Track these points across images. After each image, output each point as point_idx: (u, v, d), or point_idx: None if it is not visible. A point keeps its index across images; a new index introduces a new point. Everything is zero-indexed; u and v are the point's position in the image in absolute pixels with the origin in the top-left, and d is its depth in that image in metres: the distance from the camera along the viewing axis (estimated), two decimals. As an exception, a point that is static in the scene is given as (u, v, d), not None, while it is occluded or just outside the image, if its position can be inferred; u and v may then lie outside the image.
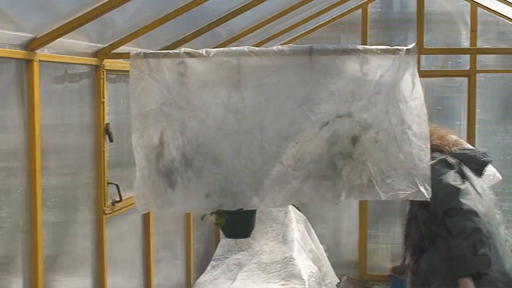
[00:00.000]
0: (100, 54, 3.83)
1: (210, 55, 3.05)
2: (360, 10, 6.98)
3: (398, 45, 3.14)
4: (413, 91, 3.07)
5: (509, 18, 6.78)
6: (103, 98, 3.88)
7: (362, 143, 3.10)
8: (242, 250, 5.74)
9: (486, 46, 6.96)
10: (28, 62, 3.15)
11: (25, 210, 3.15)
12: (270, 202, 3.12)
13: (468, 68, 6.97)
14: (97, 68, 3.83)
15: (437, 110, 7.05)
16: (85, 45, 3.70)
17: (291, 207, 5.93)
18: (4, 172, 3.06)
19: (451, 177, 3.71)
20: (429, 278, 3.86)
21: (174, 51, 3.15)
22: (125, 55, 3.44)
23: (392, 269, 6.70)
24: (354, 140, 3.09)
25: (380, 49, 3.05)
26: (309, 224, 6.20)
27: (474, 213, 3.64)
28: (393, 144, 3.08)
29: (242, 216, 3.19)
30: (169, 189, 3.16)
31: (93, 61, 3.79)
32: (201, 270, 5.74)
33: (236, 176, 3.07)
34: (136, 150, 3.18)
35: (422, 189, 3.09)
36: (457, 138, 4.10)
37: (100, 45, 3.82)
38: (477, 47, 6.90)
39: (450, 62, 7.07)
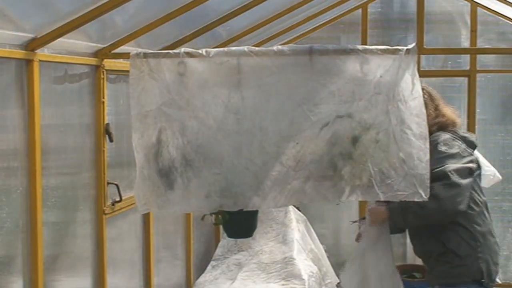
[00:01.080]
0: (100, 54, 3.83)
1: (210, 55, 3.04)
2: (360, 10, 6.98)
3: (398, 45, 3.14)
4: (412, 91, 3.07)
5: (509, 18, 6.78)
6: (103, 98, 3.88)
7: (362, 144, 3.09)
8: (242, 250, 5.74)
9: (486, 46, 6.96)
10: (28, 62, 3.15)
11: (25, 210, 3.15)
12: (271, 202, 3.12)
13: (468, 68, 6.97)
14: (97, 68, 3.83)
15: (437, 110, 7.04)
16: (85, 45, 3.70)
17: (291, 207, 5.93)
18: (4, 172, 3.06)
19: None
20: None
21: (174, 51, 3.15)
22: (125, 55, 3.43)
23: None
24: (355, 140, 3.09)
25: (380, 49, 3.05)
26: (309, 224, 6.20)
27: None
28: (393, 144, 3.07)
29: (243, 216, 3.19)
30: (169, 189, 3.15)
31: (93, 61, 3.79)
32: (201, 270, 5.74)
33: (236, 177, 3.07)
34: (136, 150, 3.18)
35: (420, 190, 3.09)
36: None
37: (100, 45, 3.82)
38: (477, 47, 6.90)
39: (450, 62, 7.07)
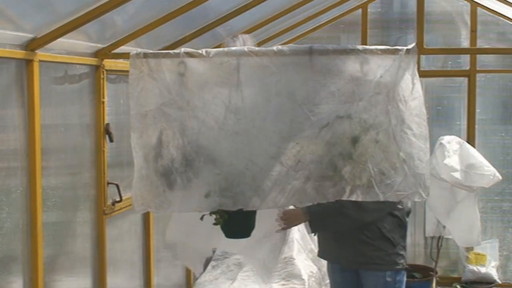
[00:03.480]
0: (100, 54, 3.83)
1: (210, 55, 3.04)
2: (360, 10, 6.98)
3: (398, 45, 3.14)
4: (413, 91, 3.06)
5: (509, 18, 6.78)
6: (103, 98, 3.88)
7: (362, 144, 3.09)
8: (242, 250, 5.73)
9: (486, 46, 6.96)
10: (28, 62, 3.15)
11: (25, 210, 3.15)
12: (271, 202, 3.11)
13: (468, 68, 6.97)
14: (97, 68, 3.84)
15: (437, 110, 7.06)
16: (85, 45, 3.70)
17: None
18: (4, 172, 3.06)
19: None
20: None
21: (174, 51, 3.15)
22: (125, 55, 3.44)
23: None
24: (355, 141, 3.08)
25: (380, 49, 3.04)
26: (309, 224, 6.19)
27: None
28: (393, 145, 3.07)
29: (242, 216, 3.19)
30: (167, 190, 3.15)
31: (93, 61, 3.79)
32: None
33: (236, 177, 3.06)
34: (135, 150, 3.17)
35: (420, 190, 3.09)
36: None
37: (100, 45, 3.82)
38: (477, 47, 6.91)
39: (450, 62, 7.08)
